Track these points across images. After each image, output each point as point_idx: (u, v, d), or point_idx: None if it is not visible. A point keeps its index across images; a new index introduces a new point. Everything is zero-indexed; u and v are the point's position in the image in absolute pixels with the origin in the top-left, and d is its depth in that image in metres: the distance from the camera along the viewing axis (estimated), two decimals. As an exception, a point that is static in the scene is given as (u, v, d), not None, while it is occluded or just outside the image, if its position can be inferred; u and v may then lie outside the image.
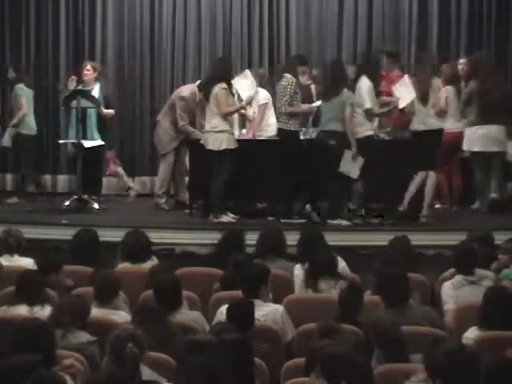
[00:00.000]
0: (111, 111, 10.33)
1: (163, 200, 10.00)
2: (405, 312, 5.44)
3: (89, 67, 10.28)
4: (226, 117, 8.89)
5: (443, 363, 4.03)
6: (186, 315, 5.62)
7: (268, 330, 5.47)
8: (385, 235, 7.65)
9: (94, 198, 9.84)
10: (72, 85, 10.00)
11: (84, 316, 5.19)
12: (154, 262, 6.97)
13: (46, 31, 11.55)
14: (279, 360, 5.18)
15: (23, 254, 7.07)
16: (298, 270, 6.71)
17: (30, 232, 8.00)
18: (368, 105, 8.83)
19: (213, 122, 8.86)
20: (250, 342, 4.58)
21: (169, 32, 11.64)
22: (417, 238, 7.40)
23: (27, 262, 6.82)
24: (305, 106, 9.42)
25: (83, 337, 5.05)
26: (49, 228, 8.78)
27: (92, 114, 9.99)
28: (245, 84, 9.34)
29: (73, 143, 9.93)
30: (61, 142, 10.53)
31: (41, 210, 9.81)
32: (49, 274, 6.30)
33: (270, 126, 9.67)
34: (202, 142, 9.01)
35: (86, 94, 9.80)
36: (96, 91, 10.11)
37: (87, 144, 9.76)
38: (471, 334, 5.22)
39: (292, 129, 9.08)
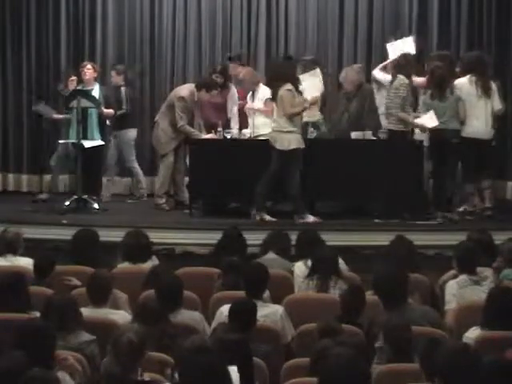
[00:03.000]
0: (111, 111, 10.33)
1: (163, 200, 9.99)
2: (405, 312, 5.43)
3: (89, 67, 10.30)
4: (291, 118, 8.88)
5: (446, 363, 4.02)
6: (186, 315, 5.63)
7: (268, 331, 5.48)
8: (385, 235, 7.66)
9: (94, 198, 9.84)
10: (72, 85, 10.00)
11: (73, 316, 5.14)
12: (154, 262, 6.97)
13: (47, 31, 11.53)
14: (279, 360, 5.18)
15: (23, 253, 7.07)
16: (299, 270, 6.71)
17: (29, 232, 8.00)
18: None
19: (281, 122, 8.88)
20: (248, 342, 4.58)
21: (169, 32, 11.60)
22: (417, 238, 7.39)
23: (27, 262, 6.81)
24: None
25: (83, 336, 5.06)
26: (49, 228, 8.79)
27: (93, 113, 10.00)
28: (313, 82, 9.31)
29: (73, 143, 9.94)
30: (61, 141, 10.53)
31: (41, 210, 9.81)
32: (48, 274, 6.31)
33: (266, 125, 9.63)
34: (269, 139, 8.95)
35: (87, 94, 9.80)
36: (96, 91, 10.11)
37: (87, 144, 9.77)
38: (472, 334, 5.22)
39: (403, 129, 9.09)
